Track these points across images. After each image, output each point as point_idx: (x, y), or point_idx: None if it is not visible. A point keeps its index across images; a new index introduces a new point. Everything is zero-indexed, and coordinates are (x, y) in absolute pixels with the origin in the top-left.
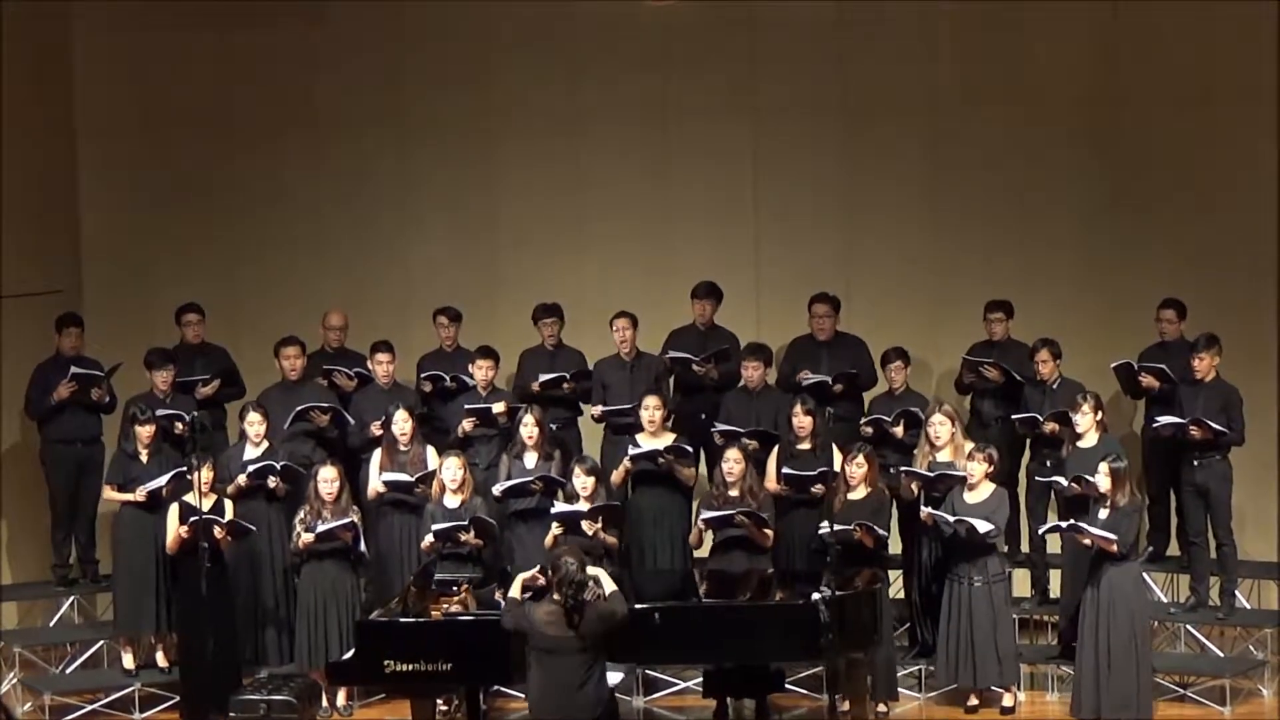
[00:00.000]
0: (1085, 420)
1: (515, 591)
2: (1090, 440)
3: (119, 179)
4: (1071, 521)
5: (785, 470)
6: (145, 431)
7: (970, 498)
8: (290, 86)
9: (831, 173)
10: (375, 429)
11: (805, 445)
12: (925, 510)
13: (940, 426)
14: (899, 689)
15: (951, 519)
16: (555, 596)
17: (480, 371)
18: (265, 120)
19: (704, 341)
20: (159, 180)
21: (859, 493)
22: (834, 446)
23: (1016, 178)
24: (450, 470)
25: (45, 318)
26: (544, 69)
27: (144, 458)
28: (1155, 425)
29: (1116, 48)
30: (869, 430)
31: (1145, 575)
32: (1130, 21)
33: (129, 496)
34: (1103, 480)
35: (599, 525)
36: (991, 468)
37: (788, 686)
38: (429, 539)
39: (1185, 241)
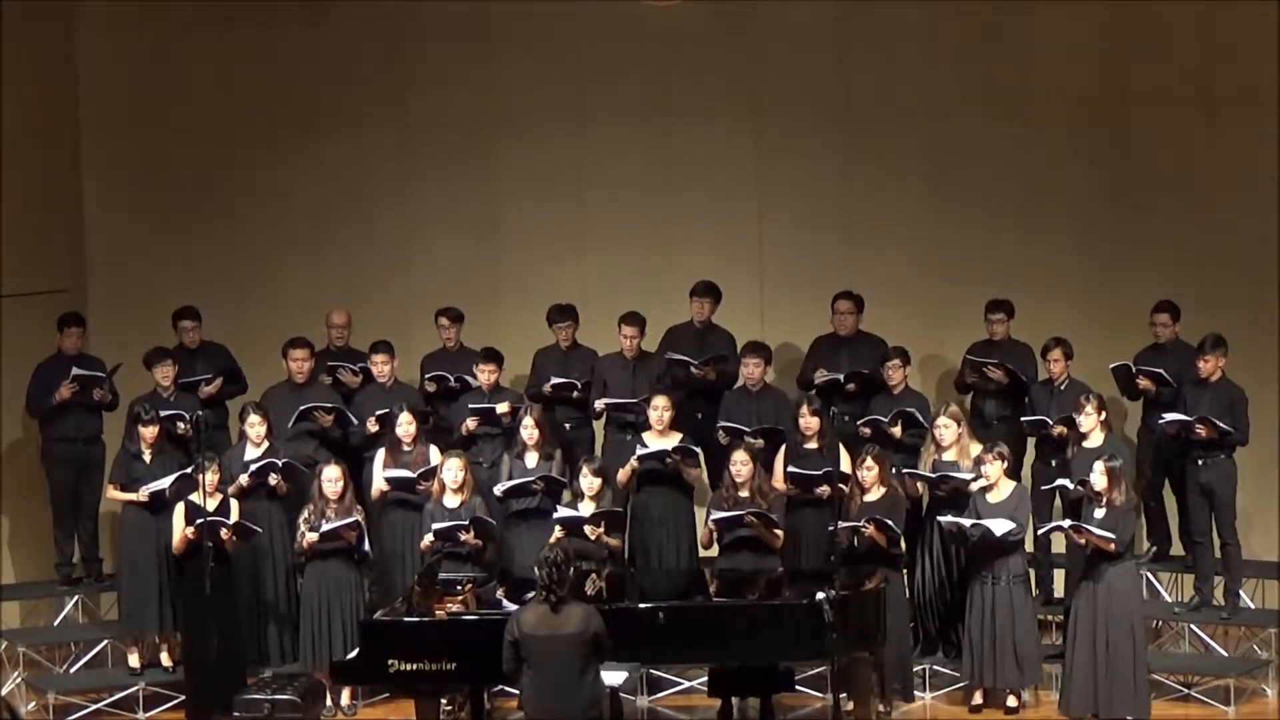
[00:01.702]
0: (1089, 420)
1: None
2: (1095, 440)
3: (121, 178)
4: (1071, 522)
5: (790, 469)
6: (149, 432)
7: (992, 498)
8: (292, 87)
9: (833, 173)
10: (371, 425)
11: (812, 445)
12: (942, 519)
13: (946, 428)
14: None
15: (968, 524)
16: (540, 595)
17: (484, 375)
18: (267, 120)
19: (701, 340)
20: (161, 180)
21: (874, 494)
22: (841, 446)
23: (1018, 178)
24: (451, 471)
25: (47, 317)
26: (546, 69)
27: (147, 458)
28: (1161, 422)
29: (1118, 49)
30: (866, 431)
31: (1149, 575)
32: (1132, 23)
33: (132, 496)
34: (1098, 479)
35: (601, 529)
36: (1006, 464)
37: (794, 685)
38: (428, 538)
39: (1186, 242)
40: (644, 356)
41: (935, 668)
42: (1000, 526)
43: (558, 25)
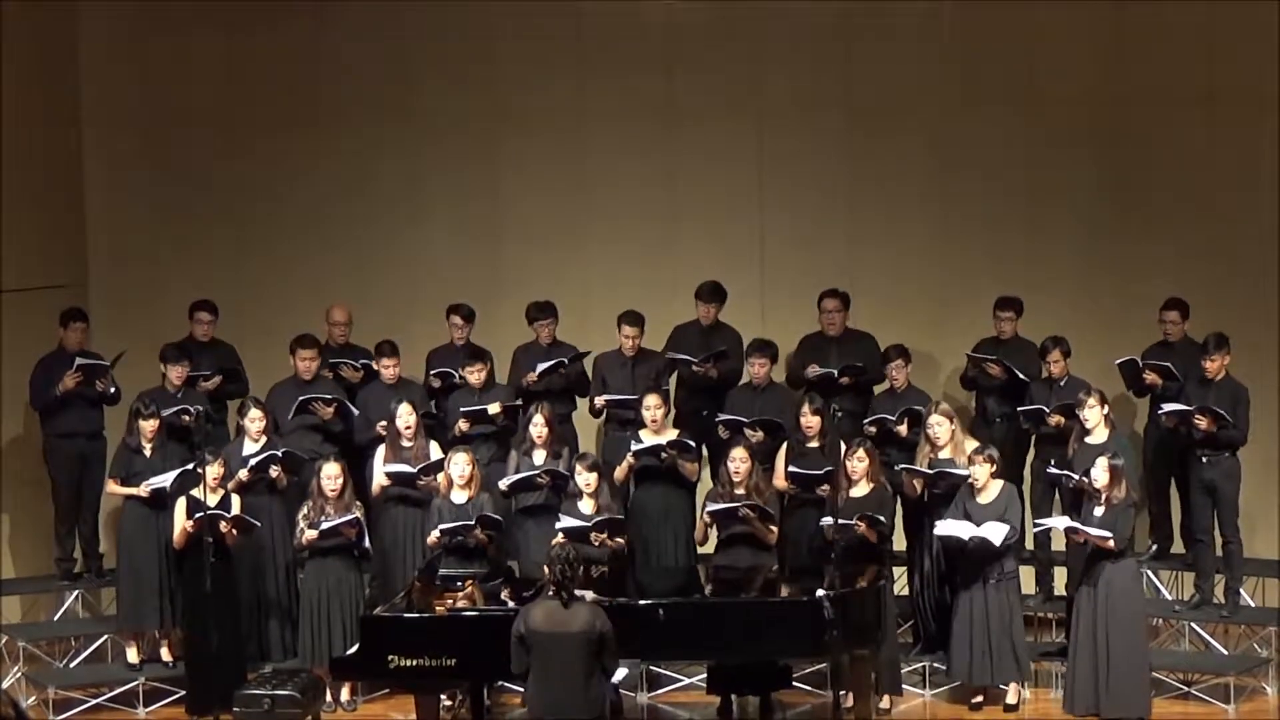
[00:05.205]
0: (1094, 415)
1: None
2: (1100, 436)
3: (124, 175)
4: (1068, 522)
5: (792, 468)
6: (149, 426)
7: (981, 499)
8: (295, 83)
9: (836, 172)
10: (380, 429)
11: (813, 444)
12: (938, 531)
13: (939, 426)
14: (903, 685)
15: (967, 536)
16: (549, 592)
17: (473, 376)
18: (270, 118)
19: (706, 339)
20: (164, 177)
21: (861, 489)
22: (841, 444)
23: (1020, 177)
24: (458, 466)
25: (49, 313)
26: (549, 67)
27: (148, 452)
28: (1160, 413)
29: (1120, 47)
30: (873, 429)
31: (1150, 573)
32: (1134, 21)
33: (132, 491)
34: (1100, 476)
35: (604, 535)
36: (994, 468)
37: (792, 683)
38: (434, 535)
39: (1189, 241)
40: (643, 354)
41: (936, 666)
42: (998, 535)
43: (561, 24)
